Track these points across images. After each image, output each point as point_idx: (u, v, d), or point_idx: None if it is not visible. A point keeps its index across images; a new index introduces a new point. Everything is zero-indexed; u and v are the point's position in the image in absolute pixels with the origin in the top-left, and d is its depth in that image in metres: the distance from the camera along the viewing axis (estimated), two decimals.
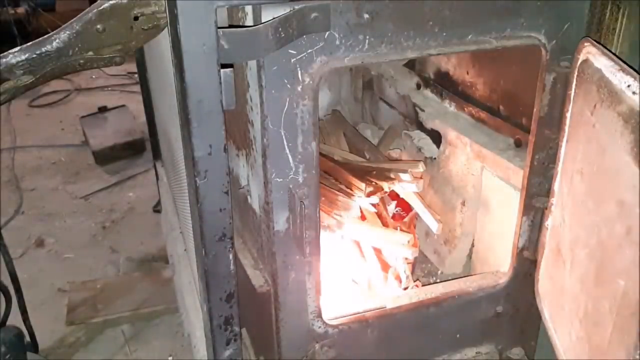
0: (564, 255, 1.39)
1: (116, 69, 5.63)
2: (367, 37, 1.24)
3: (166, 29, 1.21)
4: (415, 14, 1.27)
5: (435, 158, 2.26)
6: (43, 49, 1.20)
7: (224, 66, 1.12)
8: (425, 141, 2.32)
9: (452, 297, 1.65)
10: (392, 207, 2.25)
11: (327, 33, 1.20)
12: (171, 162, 2.41)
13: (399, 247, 2.03)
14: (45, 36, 1.21)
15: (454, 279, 1.81)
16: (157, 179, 3.34)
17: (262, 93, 1.23)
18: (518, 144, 1.89)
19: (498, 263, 1.95)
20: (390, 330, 1.62)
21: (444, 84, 2.29)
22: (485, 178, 2.03)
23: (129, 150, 4.59)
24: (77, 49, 1.22)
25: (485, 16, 1.33)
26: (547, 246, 1.50)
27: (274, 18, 1.14)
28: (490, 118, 2.03)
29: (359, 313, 1.59)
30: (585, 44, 1.27)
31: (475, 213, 2.11)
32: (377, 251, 2.06)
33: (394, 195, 2.21)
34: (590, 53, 1.25)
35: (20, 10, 6.72)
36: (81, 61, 1.24)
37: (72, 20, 1.21)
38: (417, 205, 2.17)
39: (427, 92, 2.38)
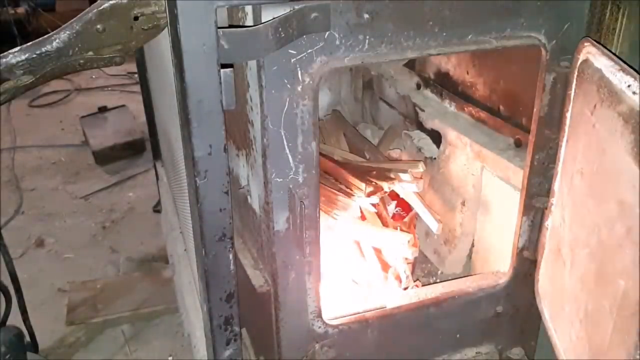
0: (564, 255, 1.39)
1: (116, 69, 5.63)
2: (367, 37, 1.24)
3: (166, 29, 1.21)
4: (415, 14, 1.27)
5: (435, 158, 2.26)
6: (43, 49, 1.20)
7: (224, 66, 1.12)
8: (425, 141, 2.32)
9: (452, 297, 1.65)
10: (392, 207, 2.25)
11: (327, 33, 1.20)
12: (171, 162, 2.41)
13: (399, 247, 2.03)
14: (45, 36, 1.21)
15: (454, 279, 1.82)
16: (157, 179, 3.34)
17: (262, 93, 1.23)
18: (518, 144, 1.89)
19: (498, 263, 1.95)
20: (390, 330, 1.62)
21: (444, 84, 2.29)
22: (485, 178, 2.03)
23: (129, 150, 4.59)
24: (77, 49, 1.22)
25: (485, 16, 1.33)
26: (547, 246, 1.50)
27: (274, 18, 1.14)
28: (490, 118, 2.03)
29: (359, 313, 1.59)
30: (585, 44, 1.27)
31: (475, 213, 2.11)
32: (377, 251, 2.06)
33: (394, 195, 2.21)
34: (590, 53, 1.25)
35: (20, 10, 6.72)
36: (81, 61, 1.24)
37: (72, 20, 1.21)
38: (417, 205, 2.17)
39: (427, 92, 2.38)
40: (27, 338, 2.18)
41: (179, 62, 1.10)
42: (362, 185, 2.06)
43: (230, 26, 1.23)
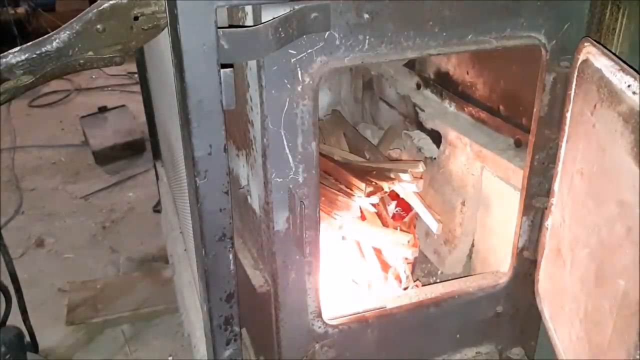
0: (564, 255, 1.39)
1: (116, 69, 5.63)
2: (367, 37, 1.24)
3: (166, 29, 1.21)
4: (415, 14, 1.27)
5: (435, 158, 2.26)
6: (43, 49, 1.20)
7: (224, 66, 1.12)
8: (425, 141, 2.32)
9: (452, 297, 1.65)
10: (392, 207, 2.25)
11: (327, 33, 1.20)
12: (171, 162, 2.41)
13: (399, 247, 2.03)
14: (45, 36, 1.21)
15: (454, 279, 1.81)
16: (157, 179, 3.34)
17: (262, 93, 1.23)
18: (518, 144, 1.89)
19: (498, 263, 1.95)
20: (390, 330, 1.62)
21: (444, 84, 2.29)
22: (485, 178, 2.03)
23: (129, 150, 4.59)
24: (77, 49, 1.22)
25: (485, 16, 1.33)
26: (547, 246, 1.50)
27: (274, 18, 1.14)
28: (490, 118, 2.03)
29: (359, 313, 1.59)
30: (585, 44, 1.27)
31: (475, 213, 2.11)
32: (377, 251, 2.06)
33: (394, 195, 2.21)
34: (590, 53, 1.25)
35: (20, 10, 6.72)
36: (81, 61, 1.24)
37: (72, 20, 1.21)
38: (417, 205, 2.17)
39: (427, 92, 2.38)
40: (27, 338, 2.18)
41: (179, 62, 1.10)
42: (362, 185, 2.06)
43: (230, 26, 1.23)
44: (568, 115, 1.35)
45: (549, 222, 1.48)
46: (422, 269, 2.33)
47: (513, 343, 1.79)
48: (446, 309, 1.66)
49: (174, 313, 2.85)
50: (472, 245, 2.18)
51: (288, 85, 1.23)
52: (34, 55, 1.20)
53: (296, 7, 1.15)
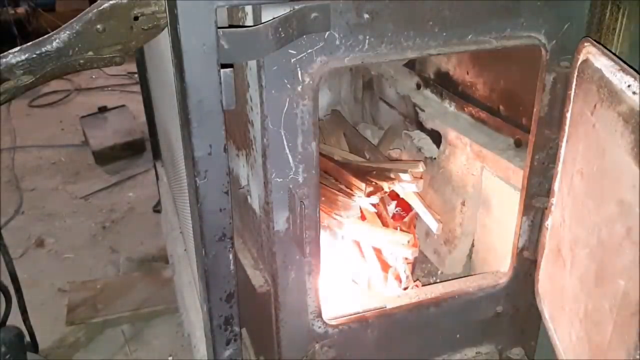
0: (564, 255, 1.39)
1: (116, 69, 5.63)
2: (367, 37, 1.24)
3: (166, 29, 1.21)
4: (415, 14, 1.27)
5: (435, 158, 2.26)
6: (43, 49, 1.20)
7: (224, 66, 1.12)
8: (425, 141, 2.32)
9: (452, 297, 1.65)
10: (392, 207, 2.25)
11: (327, 33, 1.20)
12: (171, 162, 2.41)
13: (399, 247, 2.03)
14: (45, 36, 1.21)
15: (454, 279, 1.81)
16: (157, 179, 3.34)
17: (262, 93, 1.23)
18: (518, 144, 1.89)
19: (498, 263, 1.95)
20: (390, 330, 1.62)
21: (444, 84, 2.29)
22: (485, 178, 2.03)
23: (129, 150, 4.59)
24: (77, 49, 1.22)
25: (485, 16, 1.33)
26: (547, 246, 1.50)
27: (274, 18, 1.14)
28: (490, 118, 2.03)
29: (359, 313, 1.59)
30: (585, 44, 1.27)
31: (475, 213, 2.11)
32: (377, 251, 2.06)
33: (394, 195, 2.21)
34: (590, 53, 1.25)
35: (20, 10, 6.72)
36: (81, 61, 1.24)
37: (72, 20, 1.21)
38: (417, 205, 2.17)
39: (427, 92, 2.38)
40: (27, 338, 2.18)
41: (179, 62, 1.10)
42: (362, 185, 2.06)
43: (230, 26, 1.23)
44: (568, 115, 1.35)
45: (549, 222, 1.48)
46: (422, 269, 2.33)
47: (513, 343, 1.79)
48: (446, 309, 1.66)
49: (174, 313, 2.85)
50: (472, 245, 2.18)
51: (288, 85, 1.23)
52: (34, 55, 1.20)
53: (296, 7, 1.15)
